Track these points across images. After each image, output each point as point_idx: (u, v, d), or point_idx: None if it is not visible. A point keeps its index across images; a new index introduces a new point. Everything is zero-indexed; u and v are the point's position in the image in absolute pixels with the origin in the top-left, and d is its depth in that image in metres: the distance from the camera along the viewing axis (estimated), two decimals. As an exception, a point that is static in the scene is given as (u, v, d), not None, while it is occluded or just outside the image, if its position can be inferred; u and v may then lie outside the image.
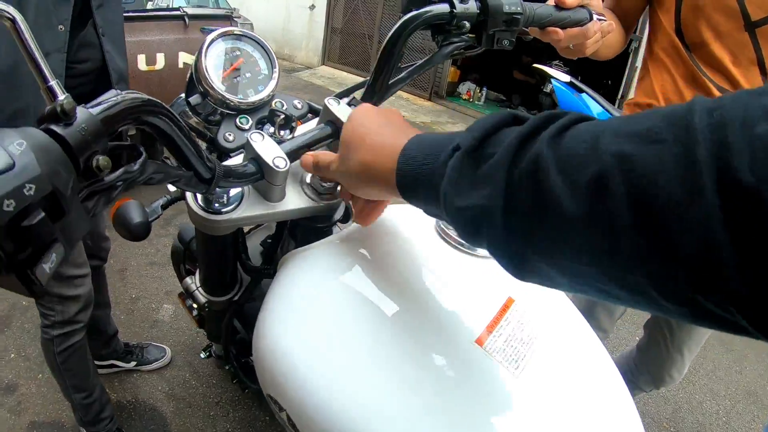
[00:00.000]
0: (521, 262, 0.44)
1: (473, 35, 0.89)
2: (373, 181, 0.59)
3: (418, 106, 7.97)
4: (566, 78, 5.04)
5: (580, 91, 4.67)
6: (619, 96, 7.26)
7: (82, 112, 0.42)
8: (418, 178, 0.52)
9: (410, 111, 7.64)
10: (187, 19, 3.69)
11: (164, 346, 2.46)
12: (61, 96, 0.45)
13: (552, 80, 5.13)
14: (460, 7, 0.84)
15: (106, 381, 2.29)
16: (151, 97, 0.49)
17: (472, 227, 0.46)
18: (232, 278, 1.03)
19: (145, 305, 2.81)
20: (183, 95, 1.04)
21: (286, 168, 0.68)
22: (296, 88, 9.17)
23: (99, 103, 0.45)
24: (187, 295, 1.14)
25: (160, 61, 3.59)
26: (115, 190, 0.46)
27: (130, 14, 4.76)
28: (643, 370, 1.83)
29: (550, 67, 5.60)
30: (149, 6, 10.41)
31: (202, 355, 1.70)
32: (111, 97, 0.46)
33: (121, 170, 0.47)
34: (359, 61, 10.14)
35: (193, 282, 1.12)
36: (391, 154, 0.56)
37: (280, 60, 12.43)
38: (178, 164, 0.56)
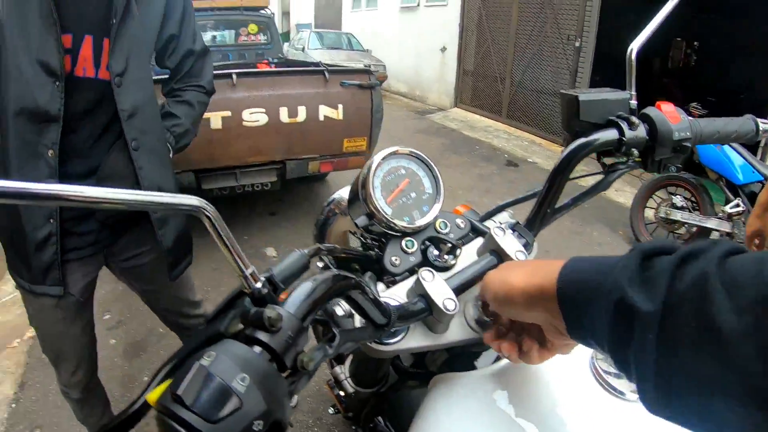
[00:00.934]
0: (667, 384, 0.43)
1: (639, 159, 0.85)
2: (532, 298, 0.59)
3: (552, 152, 7.69)
4: (707, 129, 4.77)
5: (721, 141, 4.45)
6: (762, 144, 6.76)
7: (286, 319, 0.45)
8: (581, 285, 0.53)
9: (544, 157, 7.40)
10: (327, 74, 3.84)
11: (292, 390, 2.52)
12: (257, 284, 0.48)
13: (692, 130, 4.90)
14: (629, 134, 0.81)
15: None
16: (338, 272, 0.51)
17: (623, 329, 0.46)
18: (383, 374, 1.04)
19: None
20: (337, 195, 1.06)
21: (456, 310, 0.67)
22: (430, 131, 9.26)
23: (293, 293, 0.49)
24: (335, 382, 1.16)
25: (302, 113, 3.77)
26: (314, 374, 0.49)
27: (274, 69, 5.06)
28: None
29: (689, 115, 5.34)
30: (285, 47, 11.00)
31: (331, 411, 1.73)
32: (303, 283, 0.50)
33: (320, 357, 0.49)
34: (492, 104, 10.00)
35: (342, 372, 1.14)
36: (551, 272, 0.57)
37: (412, 101, 12.71)
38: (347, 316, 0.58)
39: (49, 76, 1.29)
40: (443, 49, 11.48)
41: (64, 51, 1.30)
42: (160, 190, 1.35)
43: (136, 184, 1.45)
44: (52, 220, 1.38)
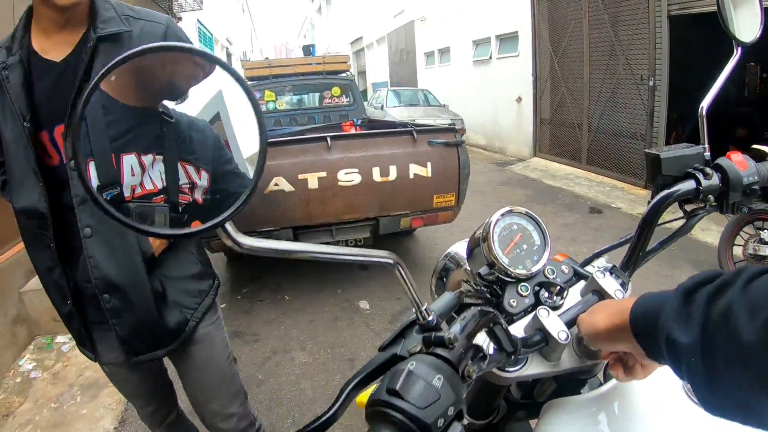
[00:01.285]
0: (717, 394, 0.55)
1: (715, 204, 0.98)
2: (613, 334, 0.74)
3: (634, 195, 7.63)
4: (788, 155, 4.67)
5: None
6: None
7: (459, 340, 0.63)
8: (647, 320, 0.66)
9: (627, 202, 7.35)
10: (415, 134, 4.06)
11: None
12: (429, 317, 0.66)
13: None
14: (705, 183, 0.95)
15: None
16: (482, 308, 0.68)
17: (675, 357, 0.59)
18: (495, 406, 1.16)
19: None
20: (452, 250, 1.21)
21: (569, 340, 0.81)
22: (511, 182, 9.34)
23: (456, 323, 0.66)
24: None
25: (393, 172, 3.97)
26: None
27: (366, 132, 5.30)
28: None
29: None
30: (366, 105, 11.37)
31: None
32: (462, 315, 0.68)
33: (477, 370, 0.65)
34: (571, 151, 9.94)
35: None
36: (624, 312, 0.71)
37: (492, 153, 12.77)
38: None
39: (35, 177, 1.36)
40: (519, 100, 11.59)
41: (43, 150, 1.38)
42: (111, 285, 1.40)
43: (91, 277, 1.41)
44: (69, 302, 1.46)
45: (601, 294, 0.89)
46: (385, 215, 4.18)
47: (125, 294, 1.42)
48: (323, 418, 0.62)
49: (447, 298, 0.78)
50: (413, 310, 0.69)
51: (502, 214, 0.96)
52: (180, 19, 14.11)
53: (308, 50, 9.03)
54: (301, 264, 5.19)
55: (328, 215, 4.05)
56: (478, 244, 0.96)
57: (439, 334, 0.63)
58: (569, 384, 0.97)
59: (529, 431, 1.18)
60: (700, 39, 7.84)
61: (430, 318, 0.68)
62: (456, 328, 0.66)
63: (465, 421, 0.58)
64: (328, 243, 4.16)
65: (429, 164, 4.07)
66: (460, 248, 1.19)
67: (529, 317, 0.89)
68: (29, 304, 3.87)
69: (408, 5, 19.61)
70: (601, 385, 0.95)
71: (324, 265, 5.15)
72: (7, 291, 3.74)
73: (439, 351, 0.62)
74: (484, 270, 0.94)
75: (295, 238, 4.12)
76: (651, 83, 7.51)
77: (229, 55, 25.49)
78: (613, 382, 0.91)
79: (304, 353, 3.64)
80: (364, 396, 0.61)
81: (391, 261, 0.66)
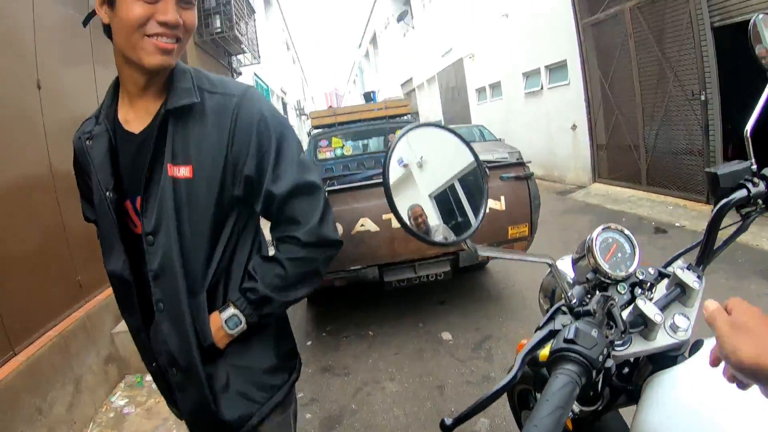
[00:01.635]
0: None
1: (764, 206, 1.20)
2: (758, 372, 0.68)
3: (697, 212, 7.54)
4: None
5: None
6: None
7: (597, 311, 0.94)
8: None
9: (690, 219, 7.29)
10: (488, 170, 4.16)
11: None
12: (574, 299, 0.98)
13: None
14: (754, 190, 1.18)
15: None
16: (605, 294, 0.98)
17: None
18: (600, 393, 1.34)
19: (465, 419, 3.23)
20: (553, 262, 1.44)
21: (662, 321, 1.04)
22: (574, 210, 9.37)
23: (593, 302, 0.96)
24: None
25: (470, 207, 4.13)
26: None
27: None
28: None
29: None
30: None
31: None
32: (593, 298, 0.98)
33: (610, 333, 0.92)
34: (630, 174, 9.86)
35: None
36: None
37: (551, 183, 12.80)
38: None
39: (119, 246, 1.39)
40: (574, 127, 11.62)
41: (129, 218, 1.41)
42: (173, 359, 1.37)
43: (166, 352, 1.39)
44: (154, 364, 1.49)
45: (682, 286, 1.11)
46: (464, 249, 4.21)
47: (184, 373, 1.38)
48: (508, 379, 0.87)
49: (578, 289, 1.06)
50: (561, 297, 1.00)
51: (602, 229, 1.18)
52: (240, 74, 14.79)
53: (369, 96, 9.30)
54: (381, 301, 5.42)
55: (411, 252, 4.19)
56: (582, 257, 1.17)
57: (585, 307, 0.92)
58: (664, 364, 1.15)
59: (623, 425, 1.39)
60: (746, 47, 7.83)
61: (574, 300, 0.97)
62: (593, 303, 0.94)
63: (610, 363, 0.85)
64: (410, 278, 4.38)
65: (502, 198, 4.22)
66: (561, 265, 1.41)
67: (628, 309, 1.10)
68: (120, 345, 4.14)
69: (455, 44, 20.02)
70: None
71: (404, 300, 5.38)
72: (99, 332, 4.00)
73: (589, 319, 0.89)
74: (590, 275, 1.15)
75: (381, 276, 4.31)
76: (702, 97, 7.51)
77: (284, 104, 26.32)
78: (698, 354, 1.07)
79: (393, 383, 3.80)
80: (544, 352, 0.88)
81: (549, 261, 0.98)
